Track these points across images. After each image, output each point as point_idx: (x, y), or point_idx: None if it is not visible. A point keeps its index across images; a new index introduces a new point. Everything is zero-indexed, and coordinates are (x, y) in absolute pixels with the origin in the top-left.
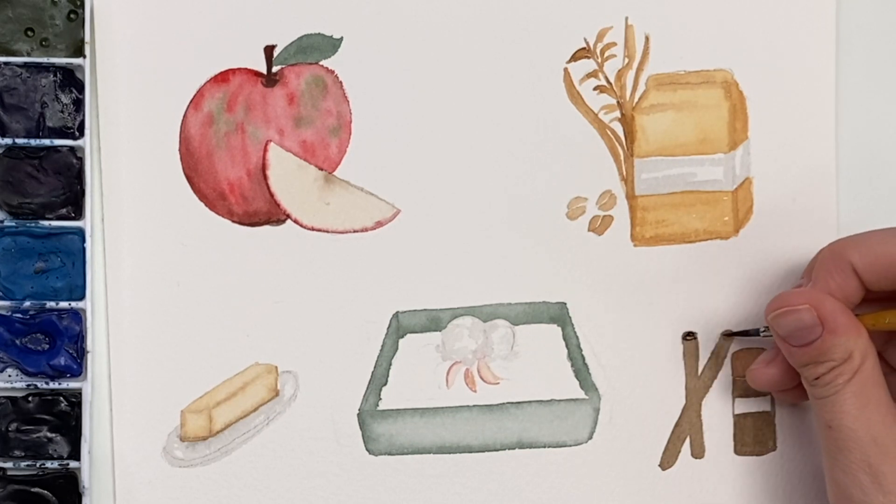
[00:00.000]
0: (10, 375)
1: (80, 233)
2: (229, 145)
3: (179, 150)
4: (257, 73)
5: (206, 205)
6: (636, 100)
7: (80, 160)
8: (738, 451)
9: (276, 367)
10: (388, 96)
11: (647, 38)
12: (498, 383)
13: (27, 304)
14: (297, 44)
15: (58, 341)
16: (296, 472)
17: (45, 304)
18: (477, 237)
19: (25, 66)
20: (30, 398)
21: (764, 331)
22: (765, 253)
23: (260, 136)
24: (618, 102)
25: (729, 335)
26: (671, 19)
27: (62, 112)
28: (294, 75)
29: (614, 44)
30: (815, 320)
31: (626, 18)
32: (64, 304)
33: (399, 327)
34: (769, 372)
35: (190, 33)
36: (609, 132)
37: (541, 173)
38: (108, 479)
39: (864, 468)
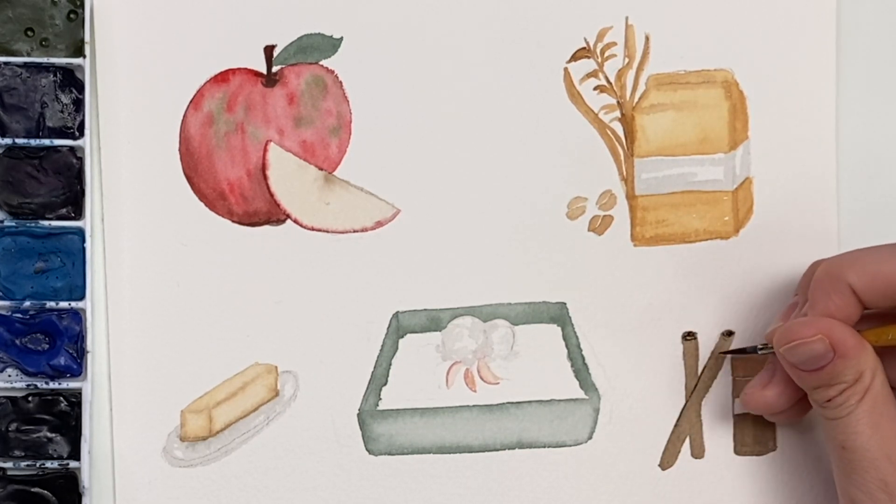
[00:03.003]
0: (10, 375)
1: (80, 233)
2: (229, 145)
3: (179, 150)
4: (257, 73)
5: (206, 205)
6: (636, 100)
7: (80, 160)
8: (738, 451)
9: (276, 367)
10: (388, 96)
11: (647, 38)
12: (498, 383)
13: (27, 304)
14: (297, 44)
15: (58, 341)
16: (296, 472)
17: (45, 304)
18: (477, 237)
19: (25, 66)
20: (30, 398)
21: (762, 348)
22: (765, 253)
23: (260, 136)
24: (618, 102)
25: (725, 353)
26: (671, 19)
27: (62, 112)
28: (294, 75)
29: (614, 43)
30: (828, 347)
31: (627, 18)
32: (64, 304)
33: (399, 327)
34: (767, 395)
35: (190, 33)
36: (609, 132)
37: (541, 173)
38: (108, 479)
39: (881, 486)
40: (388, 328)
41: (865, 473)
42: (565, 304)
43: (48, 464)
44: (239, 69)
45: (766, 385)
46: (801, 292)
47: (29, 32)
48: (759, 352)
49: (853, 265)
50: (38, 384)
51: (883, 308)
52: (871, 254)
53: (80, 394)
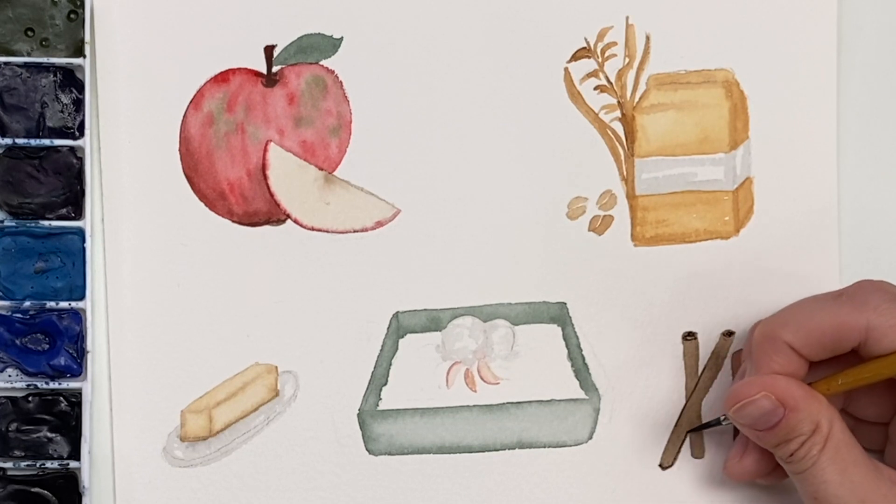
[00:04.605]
0: (10, 375)
1: (80, 233)
2: (229, 145)
3: (179, 150)
4: (257, 73)
5: (206, 205)
6: (637, 99)
7: (80, 160)
8: None
9: (276, 367)
10: (388, 96)
11: (647, 38)
12: (498, 383)
13: (27, 304)
14: (297, 44)
15: (58, 341)
16: (296, 472)
17: (45, 304)
18: (477, 237)
19: (25, 66)
20: (30, 398)
21: (724, 419)
22: (765, 253)
23: (260, 136)
24: (618, 102)
25: (692, 431)
26: (672, 19)
27: (62, 112)
28: (294, 75)
29: (615, 43)
30: (775, 403)
31: (627, 18)
32: (64, 304)
33: (399, 327)
34: (745, 463)
35: (190, 33)
36: (609, 132)
37: (541, 173)
38: (108, 479)
39: None
40: (388, 328)
41: None
42: (565, 304)
43: (48, 464)
44: (239, 69)
45: (742, 454)
46: (748, 358)
47: (29, 32)
48: (723, 423)
49: (786, 324)
50: (38, 384)
51: (825, 358)
52: (801, 309)
53: (80, 394)
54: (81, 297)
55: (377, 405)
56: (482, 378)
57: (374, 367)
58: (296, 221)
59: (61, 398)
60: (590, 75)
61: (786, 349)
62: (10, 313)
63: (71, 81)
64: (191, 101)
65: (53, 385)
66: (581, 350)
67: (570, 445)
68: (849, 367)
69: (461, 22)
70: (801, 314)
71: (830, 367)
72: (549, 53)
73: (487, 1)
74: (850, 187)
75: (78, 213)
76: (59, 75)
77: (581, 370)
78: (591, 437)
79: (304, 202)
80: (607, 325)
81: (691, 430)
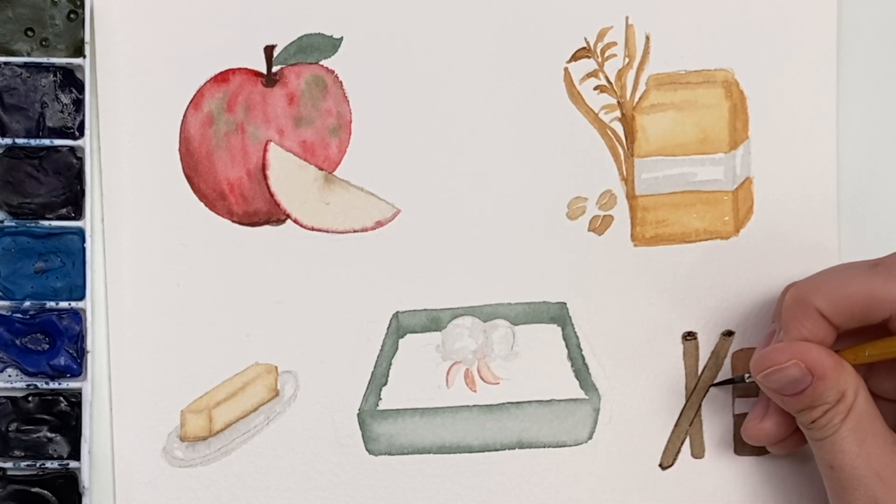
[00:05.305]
0: (10, 375)
1: (80, 233)
2: (229, 145)
3: (179, 150)
4: (257, 73)
5: (206, 205)
6: (636, 99)
7: (80, 160)
8: (738, 451)
9: (276, 367)
10: (388, 96)
11: (647, 38)
12: (498, 383)
13: (27, 304)
14: (297, 44)
15: (58, 341)
16: (296, 472)
17: (45, 304)
18: (477, 237)
19: (25, 66)
20: (30, 398)
21: (748, 377)
22: (765, 253)
23: (260, 136)
24: (618, 102)
25: (714, 385)
26: (672, 19)
27: (62, 112)
28: (294, 75)
29: (615, 43)
30: (804, 371)
31: (627, 18)
32: (64, 304)
33: (399, 327)
34: (765, 426)
35: (190, 33)
36: (609, 132)
37: (541, 173)
38: (108, 479)
39: None
40: (388, 328)
41: (855, 492)
42: (565, 304)
43: (48, 464)
44: (239, 69)
45: (763, 417)
46: (777, 319)
47: (29, 32)
48: (747, 380)
49: (818, 290)
50: (38, 384)
51: (854, 327)
52: (834, 276)
53: (80, 394)
54: (81, 297)
55: (377, 405)
56: (482, 378)
57: (374, 367)
58: (296, 221)
59: (61, 398)
60: (590, 75)
61: (816, 315)
62: (10, 313)
63: (71, 81)
64: (191, 101)
65: (53, 385)
66: (581, 350)
67: (570, 445)
68: (876, 339)
69: (461, 22)
70: (834, 281)
71: (857, 338)
72: (549, 53)
73: (487, 1)
74: (850, 187)
75: (78, 213)
76: (59, 75)
77: (581, 370)
78: (591, 437)
79: (304, 202)
80: (607, 325)
81: (714, 384)
